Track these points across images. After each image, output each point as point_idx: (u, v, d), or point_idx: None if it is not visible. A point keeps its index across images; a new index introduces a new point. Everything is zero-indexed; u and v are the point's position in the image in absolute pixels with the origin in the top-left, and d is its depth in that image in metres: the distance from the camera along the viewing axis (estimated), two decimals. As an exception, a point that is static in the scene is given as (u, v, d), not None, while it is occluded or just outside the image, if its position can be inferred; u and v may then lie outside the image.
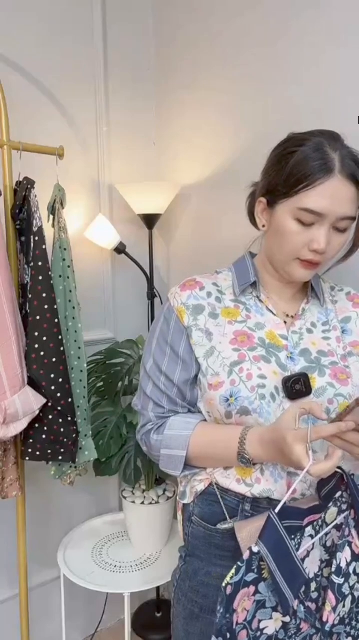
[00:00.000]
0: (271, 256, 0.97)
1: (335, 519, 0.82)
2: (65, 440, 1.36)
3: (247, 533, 0.88)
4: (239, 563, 0.72)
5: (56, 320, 1.31)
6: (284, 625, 0.78)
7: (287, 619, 0.78)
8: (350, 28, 1.23)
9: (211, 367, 0.93)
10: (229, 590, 0.71)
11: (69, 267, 1.41)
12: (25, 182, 1.32)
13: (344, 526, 0.82)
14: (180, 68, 1.74)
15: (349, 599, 0.82)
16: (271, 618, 0.77)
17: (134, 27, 1.80)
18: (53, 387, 1.31)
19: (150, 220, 1.73)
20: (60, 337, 1.32)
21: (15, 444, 1.39)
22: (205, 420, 0.98)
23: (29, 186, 1.31)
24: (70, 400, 1.35)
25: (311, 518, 0.80)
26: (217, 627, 0.72)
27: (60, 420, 1.34)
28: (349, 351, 0.96)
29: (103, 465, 1.56)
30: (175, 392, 0.98)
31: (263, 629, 0.77)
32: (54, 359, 1.31)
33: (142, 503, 1.62)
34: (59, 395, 1.32)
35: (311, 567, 0.80)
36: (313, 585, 0.81)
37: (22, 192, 1.31)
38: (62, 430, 1.35)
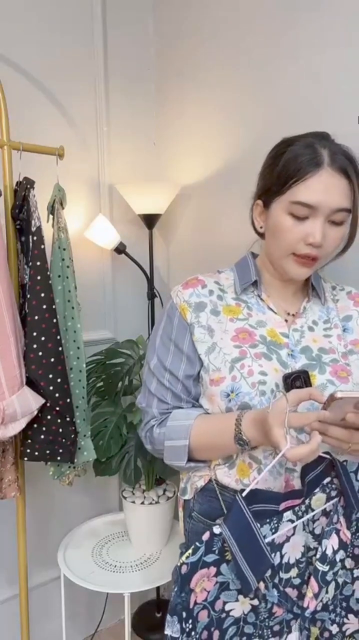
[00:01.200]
0: (270, 255, 0.98)
1: (324, 506, 0.81)
2: (64, 440, 1.35)
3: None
4: (197, 543, 0.72)
5: (55, 320, 1.31)
6: (254, 609, 0.78)
7: (255, 601, 0.77)
8: (351, 28, 1.23)
9: (212, 362, 0.95)
10: (184, 569, 0.72)
11: (68, 267, 1.41)
12: (24, 182, 1.32)
13: (332, 513, 0.81)
14: (180, 68, 1.74)
15: (332, 585, 0.82)
16: (236, 600, 0.77)
17: (134, 27, 1.80)
18: (51, 387, 1.31)
19: (150, 220, 1.73)
20: (58, 337, 1.32)
21: (14, 444, 1.39)
22: (207, 413, 0.98)
23: (29, 186, 1.31)
24: (69, 400, 1.34)
25: (289, 503, 0.80)
26: (171, 605, 0.73)
27: (59, 421, 1.34)
28: (350, 349, 0.97)
29: (103, 465, 1.56)
30: (179, 387, 0.99)
31: (229, 610, 0.77)
32: (52, 359, 1.31)
33: (142, 503, 1.62)
34: (57, 395, 1.32)
35: (291, 552, 0.80)
36: (294, 571, 0.80)
37: (22, 192, 1.31)
38: (60, 430, 1.35)
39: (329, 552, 0.79)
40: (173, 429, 0.97)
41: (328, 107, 1.30)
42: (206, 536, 0.73)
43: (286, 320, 0.99)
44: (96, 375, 1.61)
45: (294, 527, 0.79)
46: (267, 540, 0.76)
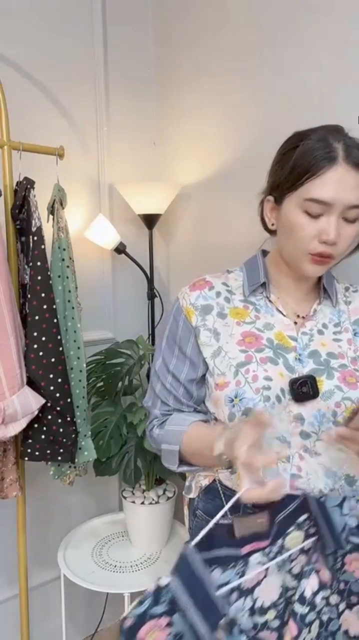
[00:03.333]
0: (283, 252, 0.95)
1: (300, 545, 0.77)
2: (64, 440, 1.36)
3: (246, 530, 0.87)
4: (140, 599, 0.68)
5: (55, 320, 1.31)
6: None
7: None
8: (351, 28, 1.23)
9: (217, 367, 0.93)
10: (128, 622, 0.67)
11: (68, 267, 1.41)
12: (25, 182, 1.32)
13: (311, 552, 0.77)
14: (180, 68, 1.74)
15: (316, 624, 0.78)
16: None
17: (134, 27, 1.80)
18: (52, 387, 1.31)
19: (150, 220, 1.73)
20: (59, 337, 1.32)
21: (15, 444, 1.39)
22: (206, 420, 0.98)
23: (29, 186, 1.31)
24: (69, 400, 1.35)
25: (254, 546, 0.75)
26: None
27: (59, 421, 1.34)
28: None
29: (103, 465, 1.56)
30: (181, 391, 0.99)
31: None
32: (52, 359, 1.31)
33: (142, 503, 1.62)
34: (57, 395, 1.32)
35: (265, 595, 0.76)
36: (271, 613, 0.76)
37: (22, 192, 1.31)
38: (61, 430, 1.35)
39: (308, 593, 0.75)
40: (169, 433, 0.97)
41: (329, 106, 1.30)
42: (152, 587, 0.68)
43: (296, 323, 0.96)
44: (96, 375, 1.61)
45: (267, 569, 0.75)
46: (233, 585, 0.71)
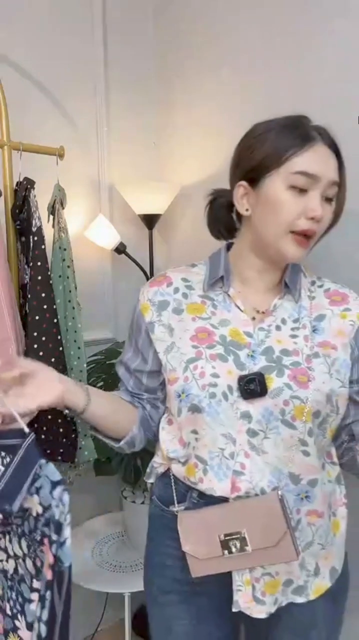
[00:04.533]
0: (261, 237, 0.93)
1: None
2: (64, 440, 1.35)
3: (186, 525, 0.92)
4: None
5: (55, 320, 1.31)
6: None
7: None
8: (351, 29, 1.23)
9: (169, 362, 0.95)
10: None
11: (68, 267, 1.41)
12: (25, 182, 1.32)
13: None
14: (180, 68, 1.74)
15: None
16: None
17: (134, 27, 1.80)
18: (52, 387, 1.31)
19: (150, 220, 1.73)
20: (59, 337, 1.32)
21: (15, 443, 1.39)
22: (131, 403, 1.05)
23: (29, 186, 1.31)
24: (69, 400, 1.34)
25: None
26: None
27: (60, 420, 1.34)
28: (316, 352, 0.91)
29: (103, 465, 1.56)
30: (132, 382, 1.04)
31: None
32: (52, 359, 1.30)
33: (142, 503, 1.62)
34: (58, 395, 1.32)
35: None
36: None
37: (22, 192, 1.31)
38: (61, 430, 1.35)
39: None
40: None
41: (330, 107, 1.29)
42: None
43: (254, 318, 0.95)
44: (96, 375, 1.61)
45: None
46: None
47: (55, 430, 1.35)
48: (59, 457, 1.37)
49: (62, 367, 1.33)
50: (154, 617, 1.04)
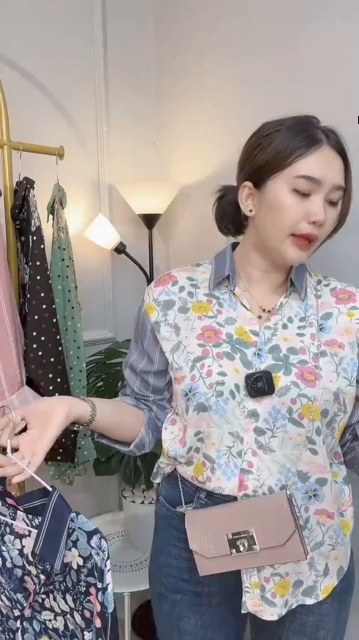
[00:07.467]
0: (264, 239, 0.93)
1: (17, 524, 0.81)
2: (64, 440, 1.36)
3: (194, 524, 0.91)
4: None
5: (55, 320, 1.32)
6: None
7: None
8: (352, 28, 1.23)
9: (176, 361, 0.94)
10: None
11: (68, 267, 1.41)
12: (25, 182, 1.32)
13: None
14: (180, 68, 1.74)
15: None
16: None
17: (134, 27, 1.80)
18: (52, 387, 1.31)
19: (150, 220, 1.73)
20: (58, 337, 1.32)
21: (15, 443, 1.39)
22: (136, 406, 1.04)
23: (29, 186, 1.31)
24: (69, 400, 1.35)
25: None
26: None
27: (60, 420, 1.34)
28: (323, 351, 0.91)
29: (103, 465, 1.56)
30: (138, 384, 1.03)
31: None
32: (52, 359, 1.31)
33: (142, 503, 1.62)
34: (57, 395, 1.32)
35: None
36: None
37: (22, 192, 1.32)
38: (61, 430, 1.35)
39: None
40: None
41: (330, 107, 1.29)
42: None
43: (260, 317, 0.95)
44: (96, 375, 1.61)
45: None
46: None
47: (55, 430, 1.35)
48: (59, 457, 1.37)
49: (61, 367, 1.33)
50: (160, 616, 1.03)
